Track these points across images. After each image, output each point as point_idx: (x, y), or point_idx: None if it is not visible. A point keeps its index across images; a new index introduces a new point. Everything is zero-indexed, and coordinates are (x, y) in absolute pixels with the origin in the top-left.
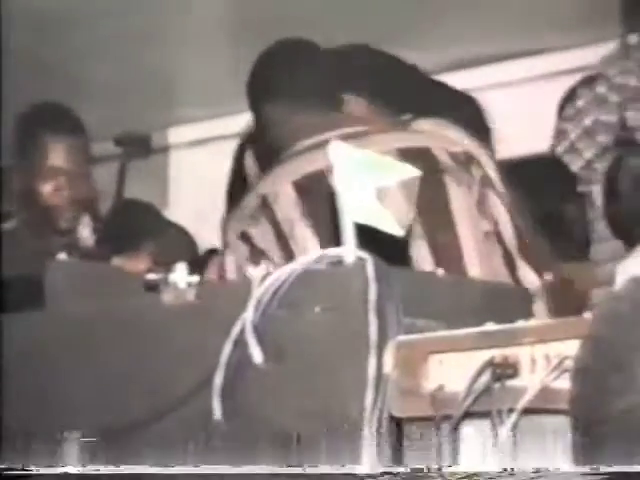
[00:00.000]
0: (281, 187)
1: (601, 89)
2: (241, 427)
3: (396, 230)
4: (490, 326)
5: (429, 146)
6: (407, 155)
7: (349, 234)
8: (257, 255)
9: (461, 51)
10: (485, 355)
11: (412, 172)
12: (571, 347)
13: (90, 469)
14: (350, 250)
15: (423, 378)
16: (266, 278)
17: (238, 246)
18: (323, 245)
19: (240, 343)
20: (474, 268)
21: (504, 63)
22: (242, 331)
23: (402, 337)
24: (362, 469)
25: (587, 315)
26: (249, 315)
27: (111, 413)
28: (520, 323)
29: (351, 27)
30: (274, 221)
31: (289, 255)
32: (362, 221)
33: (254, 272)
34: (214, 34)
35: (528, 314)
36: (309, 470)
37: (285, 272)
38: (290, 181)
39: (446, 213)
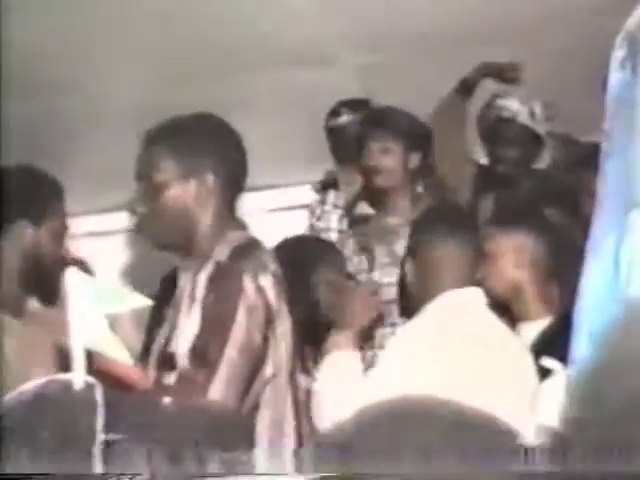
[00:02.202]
0: None
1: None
2: None
3: (125, 357)
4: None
5: None
6: None
7: (79, 360)
8: None
9: None
10: None
11: (142, 301)
12: None
13: None
14: (79, 376)
15: None
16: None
17: None
18: None
19: None
20: None
21: None
22: None
23: None
24: None
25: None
26: None
27: None
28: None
29: None
30: None
31: None
32: (92, 347)
33: None
34: None
35: (251, 444)
36: None
37: (16, 395)
38: None
39: None
